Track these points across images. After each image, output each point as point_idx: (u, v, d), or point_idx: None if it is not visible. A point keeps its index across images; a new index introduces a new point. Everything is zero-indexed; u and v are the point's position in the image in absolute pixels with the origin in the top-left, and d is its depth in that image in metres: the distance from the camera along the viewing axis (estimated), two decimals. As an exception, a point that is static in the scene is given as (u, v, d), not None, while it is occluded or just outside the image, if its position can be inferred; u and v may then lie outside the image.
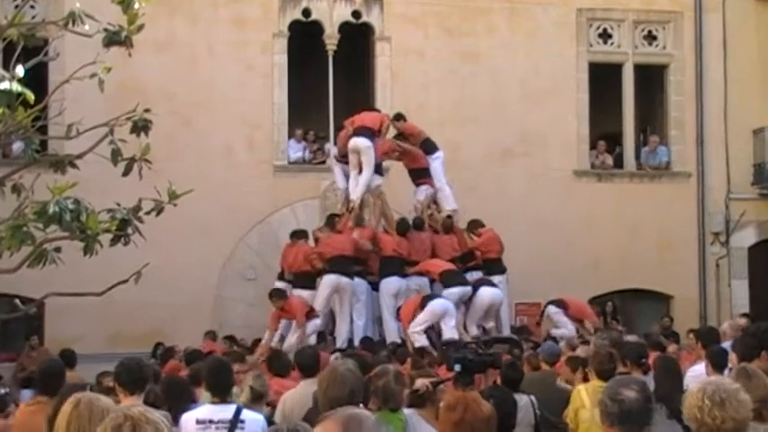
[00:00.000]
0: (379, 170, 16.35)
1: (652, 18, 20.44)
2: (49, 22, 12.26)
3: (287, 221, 18.40)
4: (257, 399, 7.79)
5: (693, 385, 4.52)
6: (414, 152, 16.59)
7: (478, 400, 4.53)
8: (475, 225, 16.62)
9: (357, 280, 15.43)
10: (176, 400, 7.31)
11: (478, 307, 15.33)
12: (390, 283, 15.24)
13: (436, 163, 16.72)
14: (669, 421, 7.59)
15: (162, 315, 17.19)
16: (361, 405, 5.84)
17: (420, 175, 16.63)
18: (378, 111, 16.70)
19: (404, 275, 15.36)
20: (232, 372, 7.08)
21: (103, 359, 11.93)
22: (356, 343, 14.57)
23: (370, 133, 15.75)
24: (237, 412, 6.44)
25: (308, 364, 8.31)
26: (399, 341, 14.45)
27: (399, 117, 16.83)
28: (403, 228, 15.80)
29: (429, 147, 16.73)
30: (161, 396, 7.63)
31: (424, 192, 16.57)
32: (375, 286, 15.67)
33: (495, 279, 16.18)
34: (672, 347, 13.28)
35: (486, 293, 15.36)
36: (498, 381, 8.51)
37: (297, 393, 7.94)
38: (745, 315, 15.18)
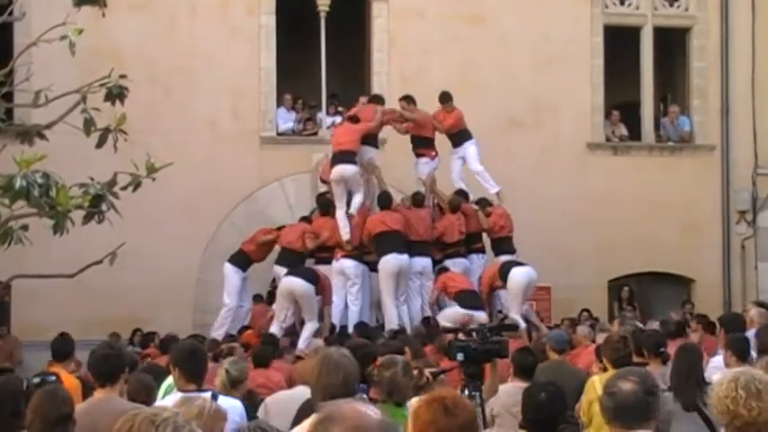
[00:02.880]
0: (374, 143, 16.30)
1: (673, -24, 20.39)
2: (14, -22, 12.19)
3: (275, 198, 18.40)
4: (234, 384, 7.75)
5: (721, 376, 4.51)
6: (421, 120, 16.48)
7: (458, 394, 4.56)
8: (484, 203, 16.60)
9: (351, 262, 15.42)
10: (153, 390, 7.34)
11: (516, 291, 15.05)
12: (389, 263, 15.13)
13: (472, 149, 16.66)
14: (689, 414, 7.61)
15: (139, 299, 17.18)
16: (364, 396, 5.86)
17: (422, 144, 16.54)
18: (355, 120, 16.19)
19: (403, 252, 15.25)
20: (206, 357, 7.06)
21: (75, 347, 11.93)
22: (350, 329, 14.58)
23: (353, 157, 15.58)
24: (213, 400, 6.40)
25: None
26: (398, 327, 14.46)
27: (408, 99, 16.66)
28: (384, 201, 15.79)
29: (464, 137, 16.68)
30: (140, 386, 7.65)
31: (425, 165, 16.49)
32: (372, 267, 15.66)
33: (504, 259, 16.19)
34: (694, 336, 13.29)
35: (518, 273, 15.08)
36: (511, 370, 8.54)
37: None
38: (758, 303, 15.12)
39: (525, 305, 15.83)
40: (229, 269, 16.13)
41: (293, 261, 15.59)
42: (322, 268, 15.89)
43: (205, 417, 4.69)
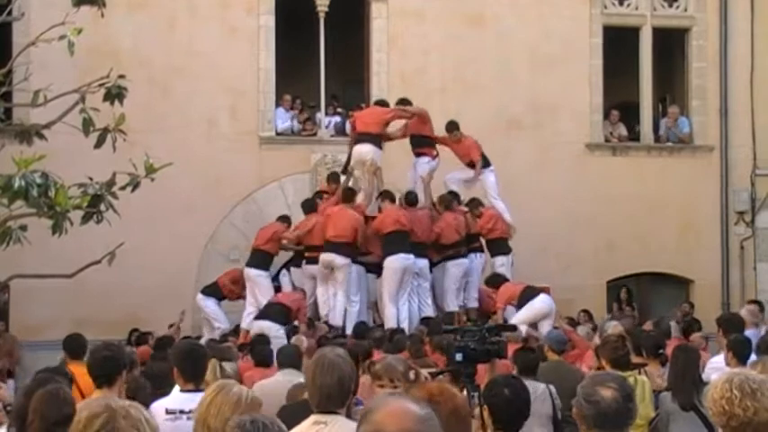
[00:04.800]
0: (377, 142, 16.26)
1: (673, -23, 20.39)
2: (13, -22, 12.21)
3: (274, 198, 18.38)
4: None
5: (717, 377, 4.52)
6: (422, 115, 16.46)
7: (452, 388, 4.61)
8: (475, 204, 16.59)
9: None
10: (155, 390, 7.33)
11: (532, 316, 14.71)
12: (395, 263, 15.06)
13: (491, 176, 16.68)
14: (687, 413, 7.63)
15: (137, 299, 17.17)
16: (359, 407, 5.85)
17: (421, 143, 16.51)
18: (351, 201, 15.91)
19: (410, 252, 15.18)
20: (206, 357, 7.06)
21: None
22: (349, 331, 14.57)
23: (348, 249, 15.32)
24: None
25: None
26: (396, 327, 14.45)
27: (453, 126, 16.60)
28: (412, 199, 15.85)
29: (484, 161, 16.69)
30: (140, 386, 7.65)
31: (426, 164, 16.46)
32: (369, 269, 15.67)
33: (499, 260, 16.19)
34: (692, 336, 13.31)
35: (542, 302, 14.87)
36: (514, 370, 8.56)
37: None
38: (755, 302, 15.17)
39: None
40: (200, 298, 16.42)
41: (261, 261, 15.76)
42: (313, 268, 15.81)
43: (243, 406, 4.69)
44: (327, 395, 5.03)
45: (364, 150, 16.01)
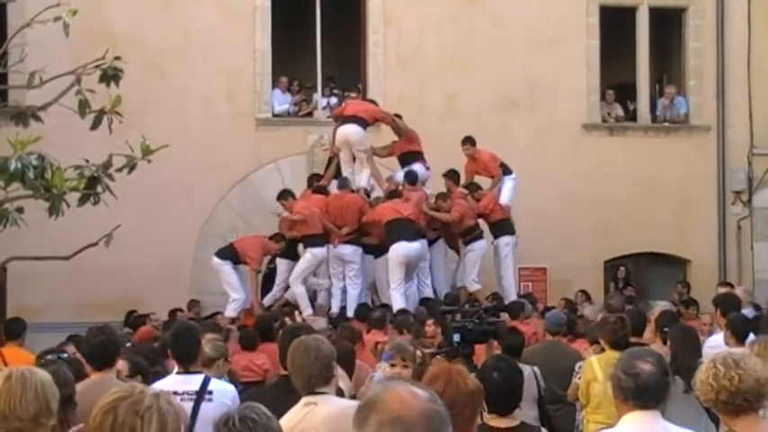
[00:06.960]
0: (364, 126, 16.15)
1: (669, -44, 20.33)
2: (7, -41, 12.15)
3: (271, 179, 18.34)
4: (207, 363, 7.58)
5: (704, 361, 4.63)
6: (408, 134, 16.39)
7: (463, 373, 4.58)
8: (474, 188, 16.57)
9: (350, 248, 15.38)
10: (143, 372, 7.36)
11: None
12: (399, 250, 14.88)
13: (510, 184, 16.66)
14: (686, 395, 7.62)
15: (135, 281, 17.17)
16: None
17: (411, 158, 16.39)
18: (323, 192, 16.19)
19: (413, 239, 15.09)
20: (200, 339, 7.05)
21: (71, 329, 11.96)
22: (349, 313, 14.55)
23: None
24: (205, 383, 6.43)
25: None
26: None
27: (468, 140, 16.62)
28: (412, 178, 15.79)
29: (505, 170, 16.72)
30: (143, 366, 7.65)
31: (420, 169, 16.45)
32: (369, 251, 15.65)
33: (503, 240, 16.16)
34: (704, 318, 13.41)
35: None
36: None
37: None
38: (727, 284, 15.29)
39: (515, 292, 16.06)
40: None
41: (228, 255, 15.76)
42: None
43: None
44: (309, 376, 5.16)
45: (349, 131, 15.89)
